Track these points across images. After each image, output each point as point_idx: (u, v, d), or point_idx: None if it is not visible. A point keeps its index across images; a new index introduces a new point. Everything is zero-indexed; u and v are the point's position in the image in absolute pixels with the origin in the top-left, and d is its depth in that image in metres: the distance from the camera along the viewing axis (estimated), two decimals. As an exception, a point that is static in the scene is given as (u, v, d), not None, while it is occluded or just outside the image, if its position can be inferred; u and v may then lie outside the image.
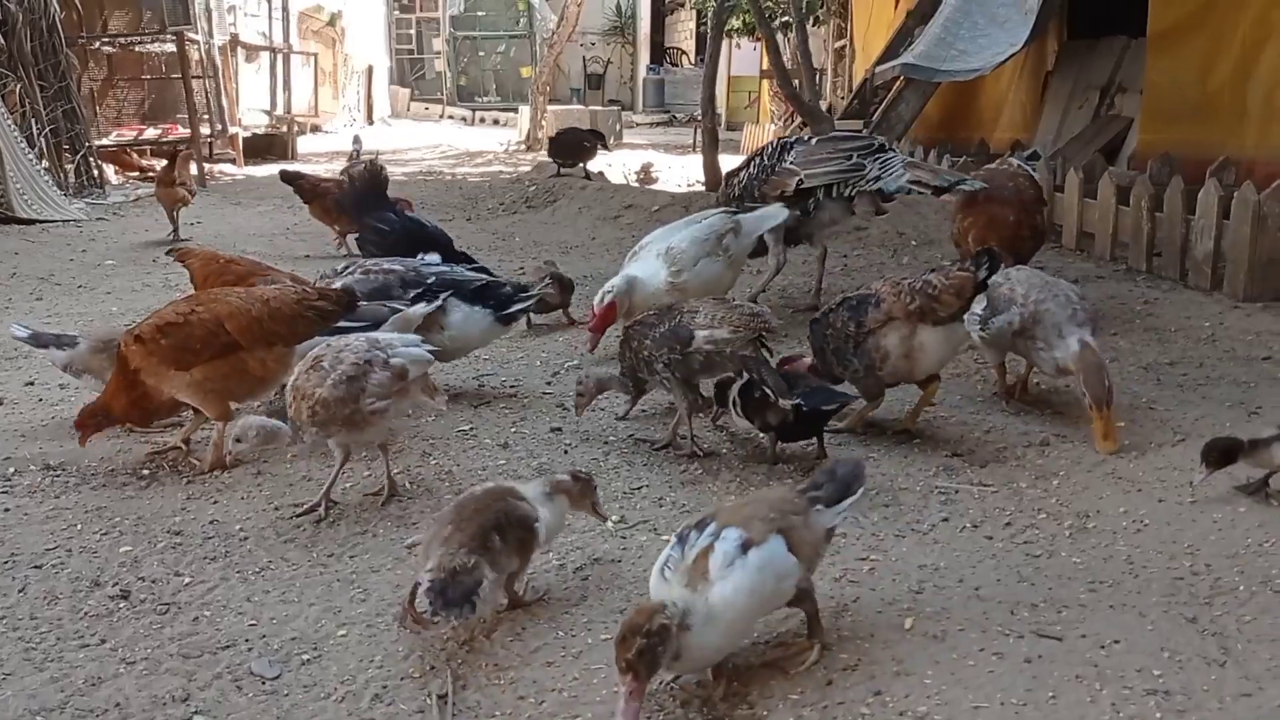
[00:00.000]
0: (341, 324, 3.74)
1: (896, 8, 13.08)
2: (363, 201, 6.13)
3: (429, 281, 4.30)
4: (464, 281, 4.35)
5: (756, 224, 5.16)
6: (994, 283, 3.74)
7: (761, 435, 3.70)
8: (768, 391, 3.47)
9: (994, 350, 4.08)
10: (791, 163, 5.41)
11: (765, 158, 5.54)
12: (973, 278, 3.61)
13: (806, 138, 5.74)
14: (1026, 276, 3.97)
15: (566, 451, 3.71)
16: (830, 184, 5.36)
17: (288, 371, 3.53)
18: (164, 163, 9.20)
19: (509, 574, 2.58)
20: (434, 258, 4.73)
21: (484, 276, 4.49)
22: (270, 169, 14.08)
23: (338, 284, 4.23)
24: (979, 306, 3.87)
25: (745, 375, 3.56)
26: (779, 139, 5.94)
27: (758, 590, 2.22)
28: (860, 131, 6.49)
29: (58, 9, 10.70)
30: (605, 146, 12.09)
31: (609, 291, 4.48)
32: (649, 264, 4.71)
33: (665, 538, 2.97)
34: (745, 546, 2.22)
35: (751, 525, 2.27)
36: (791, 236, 5.65)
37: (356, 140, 11.40)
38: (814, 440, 3.68)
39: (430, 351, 3.46)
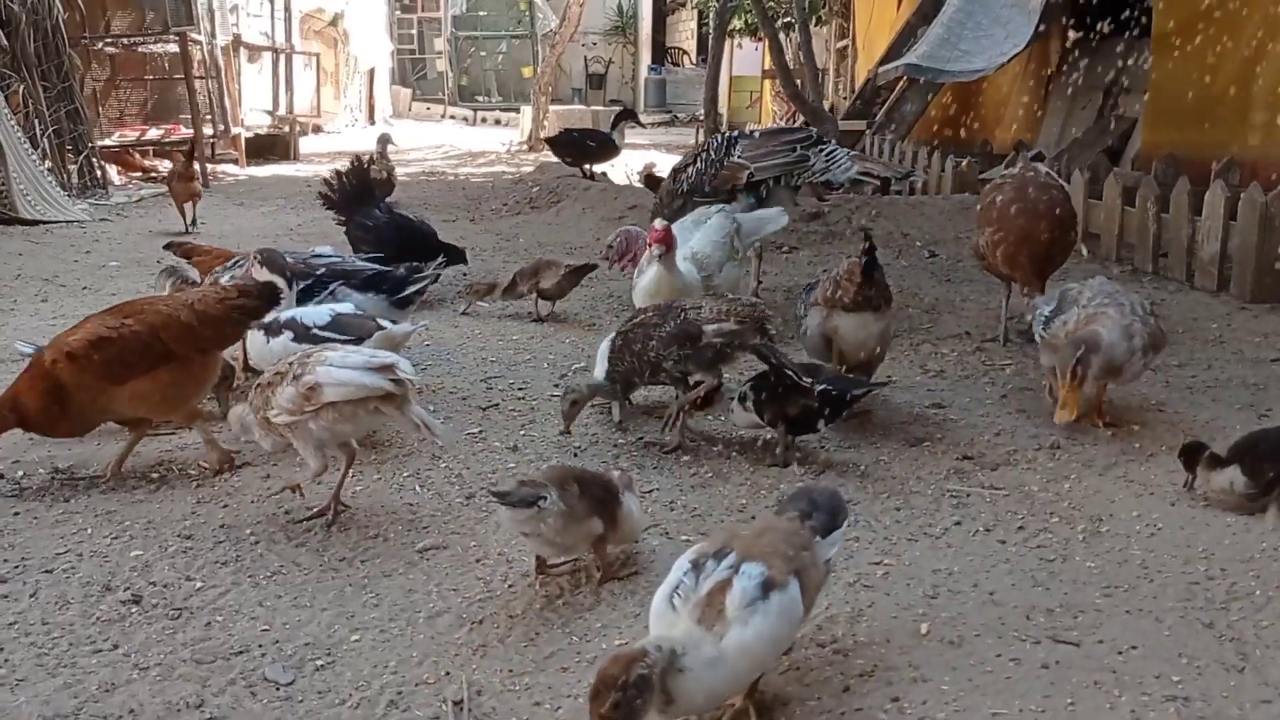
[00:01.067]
0: (327, 336, 3.74)
1: (899, 8, 13.07)
2: (351, 199, 6.13)
3: (319, 273, 4.32)
4: (354, 271, 4.36)
5: (757, 226, 5.19)
6: (1068, 288, 3.91)
7: (770, 432, 3.69)
8: (790, 374, 3.52)
9: (1050, 353, 3.82)
10: (739, 156, 5.63)
11: (713, 152, 5.73)
12: (860, 262, 3.94)
13: (750, 131, 5.98)
14: (1101, 284, 3.88)
15: (576, 455, 3.70)
16: (779, 175, 5.63)
17: (215, 373, 3.61)
18: (170, 163, 9.25)
19: (598, 534, 2.67)
20: (325, 249, 4.79)
21: (374, 266, 4.48)
22: (272, 169, 14.08)
23: (225, 279, 4.28)
24: (1047, 308, 3.87)
25: (765, 365, 3.63)
26: (724, 134, 6.11)
27: (775, 639, 2.08)
28: (804, 126, 6.63)
29: (61, 9, 10.68)
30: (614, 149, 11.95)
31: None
32: (683, 267, 4.68)
33: (685, 539, 2.99)
34: (767, 587, 2.05)
35: (774, 562, 2.10)
36: None
37: (385, 139, 11.44)
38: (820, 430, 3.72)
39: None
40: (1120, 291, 3.82)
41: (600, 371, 3.82)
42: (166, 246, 4.97)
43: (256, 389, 3.16)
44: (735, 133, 5.99)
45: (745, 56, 23.50)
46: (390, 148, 11.24)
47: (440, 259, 5.16)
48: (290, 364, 3.12)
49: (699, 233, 4.92)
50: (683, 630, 2.01)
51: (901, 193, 9.67)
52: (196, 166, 11.93)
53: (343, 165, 6.65)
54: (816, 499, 2.38)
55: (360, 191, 6.09)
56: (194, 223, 8.76)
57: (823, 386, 3.54)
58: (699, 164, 5.73)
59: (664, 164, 14.79)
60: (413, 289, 4.44)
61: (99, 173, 10.93)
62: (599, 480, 2.75)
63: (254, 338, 3.91)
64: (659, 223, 4.52)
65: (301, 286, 4.22)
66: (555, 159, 12.13)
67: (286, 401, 3.05)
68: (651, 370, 3.69)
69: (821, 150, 5.73)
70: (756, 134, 5.92)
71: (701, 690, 1.97)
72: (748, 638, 2.00)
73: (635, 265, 5.45)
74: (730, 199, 5.61)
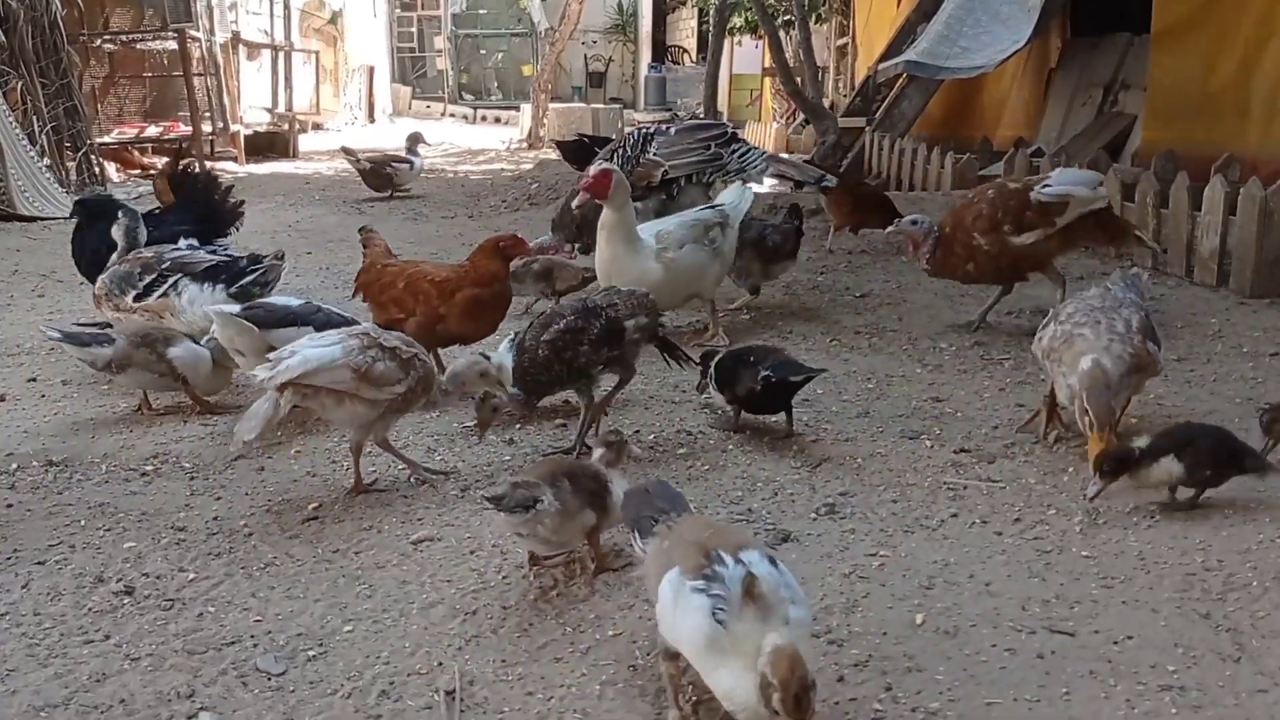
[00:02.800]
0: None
1: (899, 5, 13.06)
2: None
3: (163, 267, 4.36)
4: (194, 263, 4.37)
5: (735, 212, 5.17)
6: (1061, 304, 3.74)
7: (729, 407, 3.83)
8: (688, 362, 3.80)
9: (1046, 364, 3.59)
10: (654, 154, 5.74)
11: (628, 149, 5.79)
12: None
13: (665, 128, 6.04)
14: (1093, 296, 3.58)
15: (573, 448, 3.68)
16: (692, 173, 5.73)
17: None
18: (167, 160, 9.25)
19: (590, 526, 2.68)
20: (185, 244, 4.77)
21: (215, 257, 4.45)
22: (272, 167, 14.07)
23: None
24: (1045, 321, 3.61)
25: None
26: (639, 129, 6.17)
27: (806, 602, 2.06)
28: (720, 121, 6.78)
29: (59, 6, 10.68)
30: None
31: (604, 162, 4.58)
32: (644, 238, 4.74)
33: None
34: (774, 563, 2.03)
35: (751, 544, 2.07)
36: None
37: (416, 138, 11.49)
38: (783, 414, 3.80)
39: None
40: (1107, 308, 3.47)
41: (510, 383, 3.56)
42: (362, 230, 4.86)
43: None
44: (651, 128, 6.06)
45: (745, 54, 23.49)
46: (423, 146, 11.38)
47: (279, 252, 4.66)
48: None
49: (675, 218, 5.00)
50: (745, 633, 1.89)
51: (902, 188, 9.67)
52: (195, 166, 12.00)
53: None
54: (662, 494, 2.40)
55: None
56: None
57: (765, 374, 3.62)
58: (615, 160, 5.69)
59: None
60: (247, 280, 4.37)
61: (97, 170, 10.94)
62: (588, 472, 2.74)
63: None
64: (594, 168, 4.50)
65: (148, 281, 4.35)
66: (555, 156, 12.12)
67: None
68: (581, 376, 3.56)
69: (735, 149, 5.84)
70: (672, 130, 5.98)
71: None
72: (803, 611, 1.99)
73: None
74: (644, 196, 5.68)
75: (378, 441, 3.33)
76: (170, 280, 4.31)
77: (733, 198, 5.17)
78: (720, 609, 1.92)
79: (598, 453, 2.82)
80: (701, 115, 16.10)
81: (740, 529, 2.22)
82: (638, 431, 3.83)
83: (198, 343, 4.04)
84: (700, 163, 5.79)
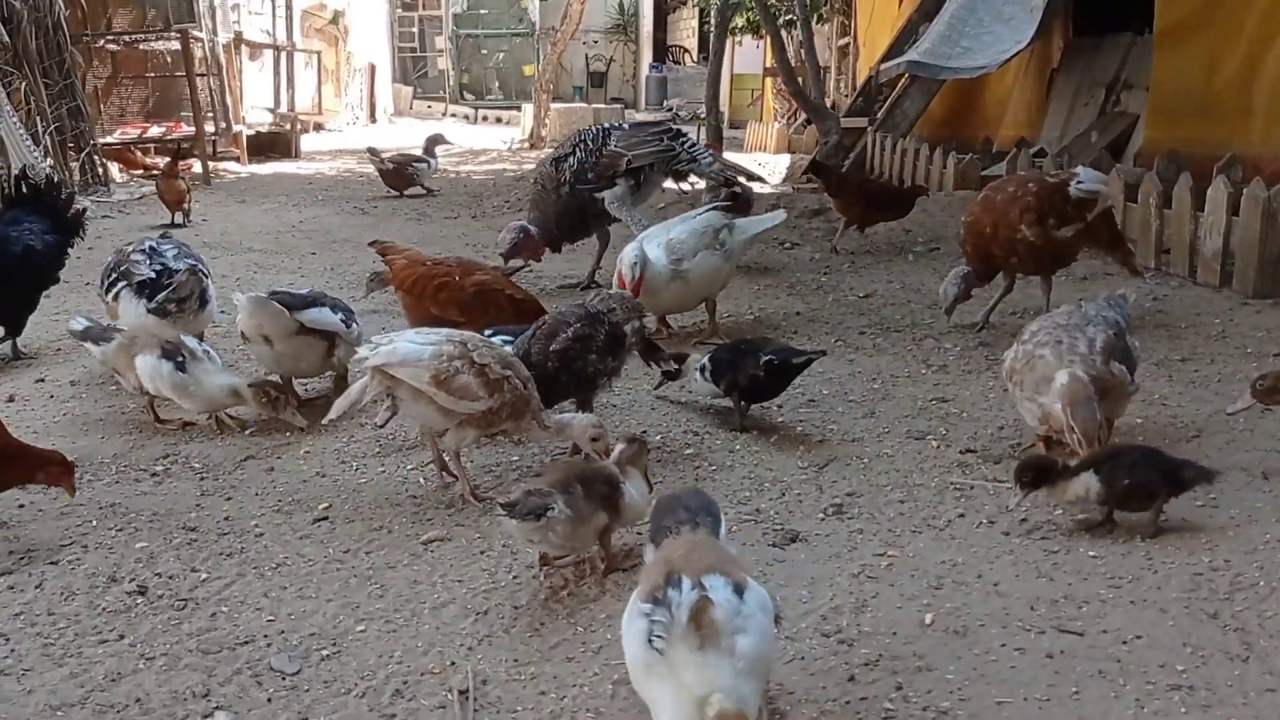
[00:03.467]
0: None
1: (901, 5, 13.07)
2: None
3: (120, 269, 4.47)
4: (134, 274, 4.41)
5: (753, 225, 5.31)
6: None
7: (725, 400, 3.88)
8: (665, 363, 3.84)
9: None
10: (615, 146, 6.15)
11: (590, 142, 6.21)
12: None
13: (619, 125, 6.50)
14: (1063, 313, 3.48)
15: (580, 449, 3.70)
16: (652, 162, 6.19)
17: None
18: (167, 160, 9.30)
19: (602, 527, 2.70)
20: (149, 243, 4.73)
21: (148, 273, 4.42)
22: (274, 167, 14.08)
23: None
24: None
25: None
26: (597, 126, 6.58)
27: (770, 633, 1.96)
28: (664, 120, 7.19)
29: (62, 7, 10.69)
30: None
31: (635, 263, 4.61)
32: (653, 252, 4.80)
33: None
34: (740, 590, 1.91)
35: (727, 570, 1.95)
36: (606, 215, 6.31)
37: (437, 139, 11.55)
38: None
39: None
40: (1071, 326, 3.35)
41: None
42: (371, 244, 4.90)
43: None
44: (607, 125, 6.49)
45: (746, 54, 23.51)
46: (441, 148, 11.46)
47: (190, 266, 4.47)
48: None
49: (682, 224, 5.08)
50: (686, 661, 1.81)
51: (903, 188, 9.66)
52: (197, 166, 12.02)
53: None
54: (690, 505, 2.30)
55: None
56: (179, 223, 8.76)
57: (768, 357, 3.68)
58: (579, 153, 6.17)
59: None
60: (159, 298, 4.34)
61: (101, 170, 10.95)
62: (601, 475, 2.75)
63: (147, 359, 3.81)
64: (627, 279, 4.58)
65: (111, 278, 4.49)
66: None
67: None
68: (587, 385, 3.49)
69: (682, 141, 6.33)
70: (625, 126, 6.48)
71: (750, 709, 1.81)
72: (754, 642, 1.85)
73: (531, 261, 6.06)
74: (610, 185, 6.12)
75: (449, 449, 3.29)
76: (119, 285, 4.39)
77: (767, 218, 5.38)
78: (658, 635, 1.82)
79: (617, 449, 2.83)
80: (702, 115, 16.09)
81: (722, 550, 2.08)
82: (645, 431, 3.84)
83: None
84: (658, 153, 6.21)
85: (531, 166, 13.54)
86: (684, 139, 6.40)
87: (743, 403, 3.86)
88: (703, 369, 3.87)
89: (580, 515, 2.63)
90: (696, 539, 2.10)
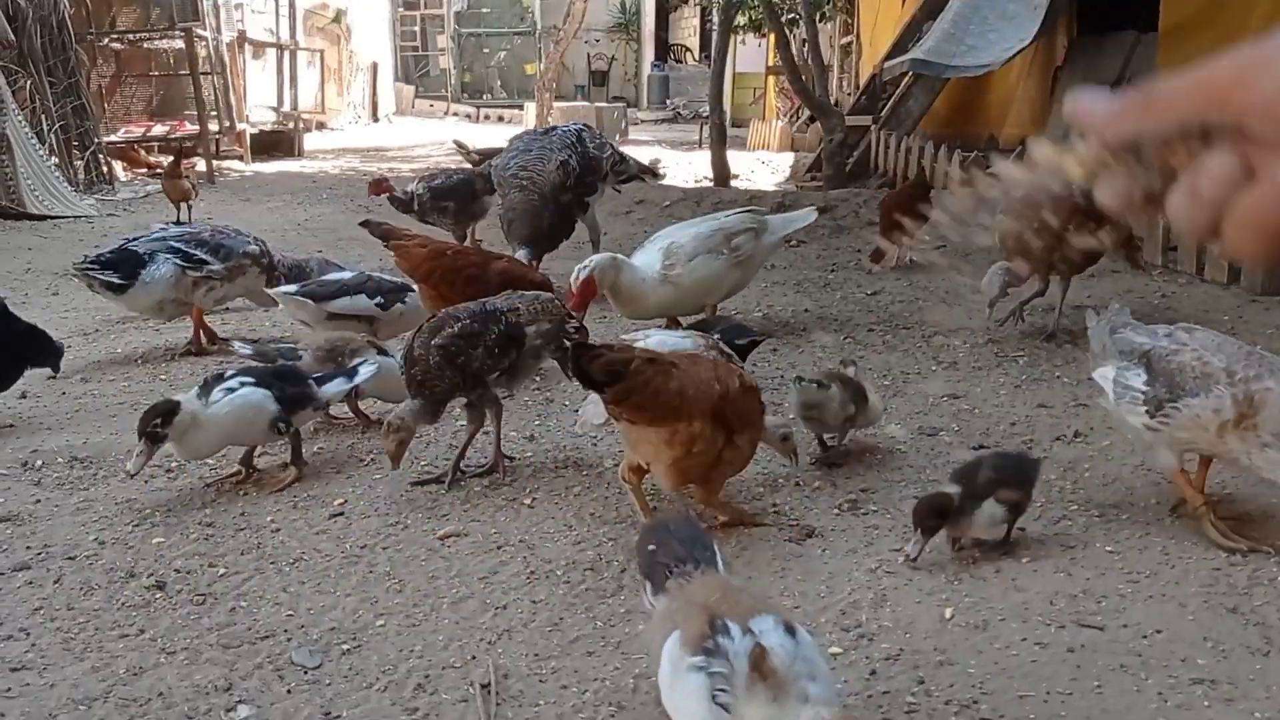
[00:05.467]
0: None
1: (904, 3, 13.07)
2: None
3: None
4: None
5: (784, 224, 5.21)
6: (1161, 347, 2.90)
7: None
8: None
9: (1167, 449, 2.89)
10: (593, 150, 6.12)
11: (578, 145, 6.08)
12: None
13: (580, 128, 6.44)
14: (1210, 339, 2.92)
15: (595, 444, 3.70)
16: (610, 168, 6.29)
17: None
18: (170, 160, 9.30)
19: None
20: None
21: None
22: (277, 166, 14.09)
23: None
24: (1139, 381, 2.89)
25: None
26: (571, 126, 6.51)
27: (828, 673, 1.86)
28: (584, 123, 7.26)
29: (67, 5, 10.70)
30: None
31: (585, 267, 4.44)
32: (649, 255, 4.81)
33: (702, 526, 2.99)
34: (791, 631, 1.81)
35: (767, 609, 1.88)
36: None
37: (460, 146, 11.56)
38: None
39: None
40: (1243, 352, 2.85)
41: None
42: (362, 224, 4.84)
43: None
44: (575, 127, 6.42)
45: (749, 53, 23.48)
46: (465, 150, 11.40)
47: None
48: None
49: (695, 226, 5.01)
50: (764, 715, 1.68)
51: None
52: (201, 165, 12.03)
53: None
54: (682, 538, 2.09)
55: None
56: (184, 220, 8.77)
57: (714, 336, 3.61)
58: (576, 156, 5.99)
59: (668, 160, 14.83)
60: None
61: (105, 168, 10.97)
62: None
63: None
64: (576, 284, 4.41)
65: None
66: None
67: None
68: (474, 382, 3.36)
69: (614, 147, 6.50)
70: (583, 127, 6.43)
71: None
72: (823, 688, 1.74)
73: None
74: (596, 189, 6.13)
75: None
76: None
77: (794, 216, 5.27)
78: (721, 690, 1.70)
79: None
80: (704, 113, 16.09)
81: (755, 591, 2.00)
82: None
83: (387, 354, 3.89)
84: (612, 155, 6.33)
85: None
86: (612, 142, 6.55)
87: None
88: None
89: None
90: (718, 579, 1.98)
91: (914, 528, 2.76)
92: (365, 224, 4.53)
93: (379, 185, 7.07)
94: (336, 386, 3.58)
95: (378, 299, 4.28)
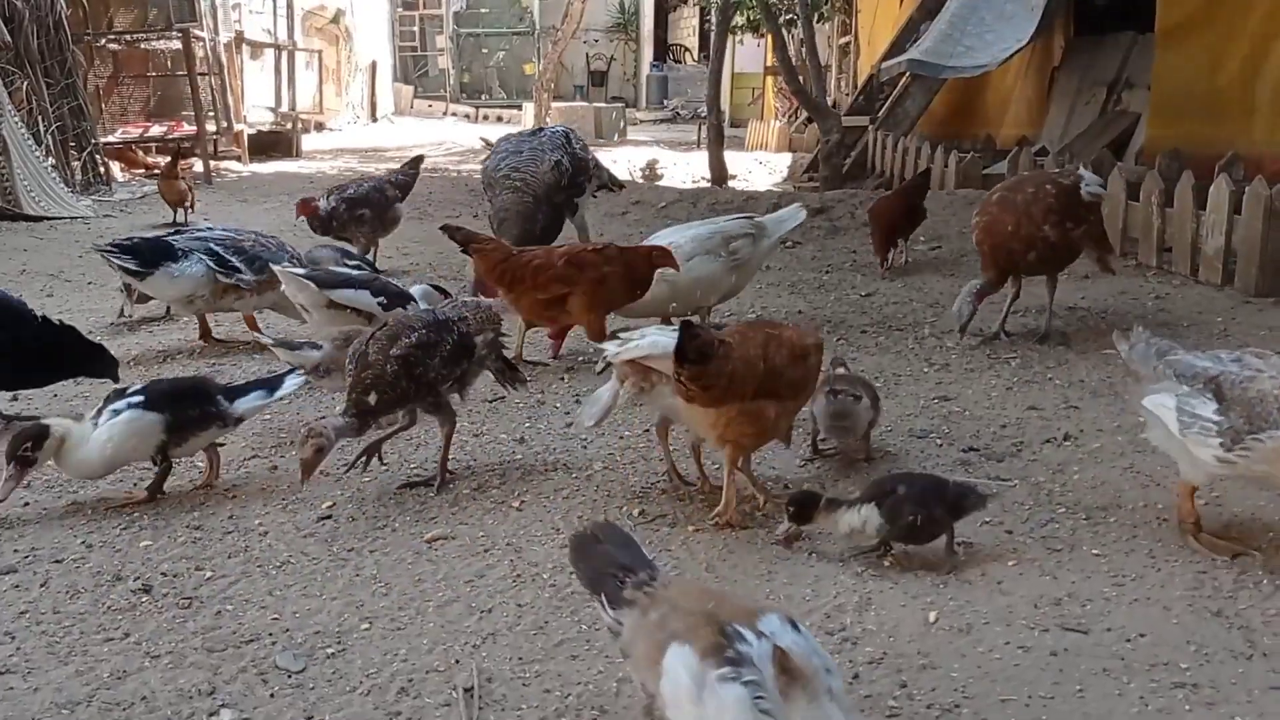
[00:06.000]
0: None
1: (902, 4, 13.07)
2: None
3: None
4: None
5: (778, 226, 5.21)
6: (1232, 373, 2.72)
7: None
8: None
9: (1206, 473, 2.78)
10: (579, 150, 6.15)
11: (567, 145, 6.13)
12: None
13: (561, 130, 6.47)
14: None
15: (585, 447, 3.71)
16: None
17: None
18: (167, 161, 9.33)
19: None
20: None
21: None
22: (275, 166, 14.09)
23: None
24: (1209, 409, 2.70)
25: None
26: (555, 127, 6.55)
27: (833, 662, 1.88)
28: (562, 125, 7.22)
29: (64, 6, 10.69)
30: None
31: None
32: None
33: (691, 528, 3.00)
34: (796, 626, 1.82)
35: (769, 606, 1.92)
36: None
37: (487, 143, 11.60)
38: None
39: None
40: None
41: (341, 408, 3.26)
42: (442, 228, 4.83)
43: None
44: (561, 128, 6.46)
45: (747, 53, 23.52)
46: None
47: None
48: None
49: (693, 229, 5.02)
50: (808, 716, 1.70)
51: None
52: (198, 165, 12.03)
53: None
54: (614, 546, 2.06)
55: None
56: (181, 221, 8.81)
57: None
58: (567, 157, 6.03)
59: (665, 160, 14.84)
60: None
61: (102, 169, 10.96)
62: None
63: None
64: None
65: None
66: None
67: None
68: (428, 392, 3.29)
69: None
70: (568, 129, 6.45)
71: None
72: (838, 677, 1.78)
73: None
74: (583, 190, 6.15)
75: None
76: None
77: (783, 215, 5.25)
78: (760, 698, 1.67)
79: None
80: (703, 113, 16.09)
81: (743, 595, 2.05)
82: (647, 431, 3.84)
83: None
84: (593, 161, 6.34)
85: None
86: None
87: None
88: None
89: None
90: (694, 585, 2.00)
91: (786, 516, 2.85)
92: (445, 229, 4.55)
93: (305, 206, 6.85)
94: (253, 401, 3.46)
95: (380, 299, 4.29)
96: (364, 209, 6.68)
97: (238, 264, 4.81)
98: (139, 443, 3.22)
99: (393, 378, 3.19)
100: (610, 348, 3.10)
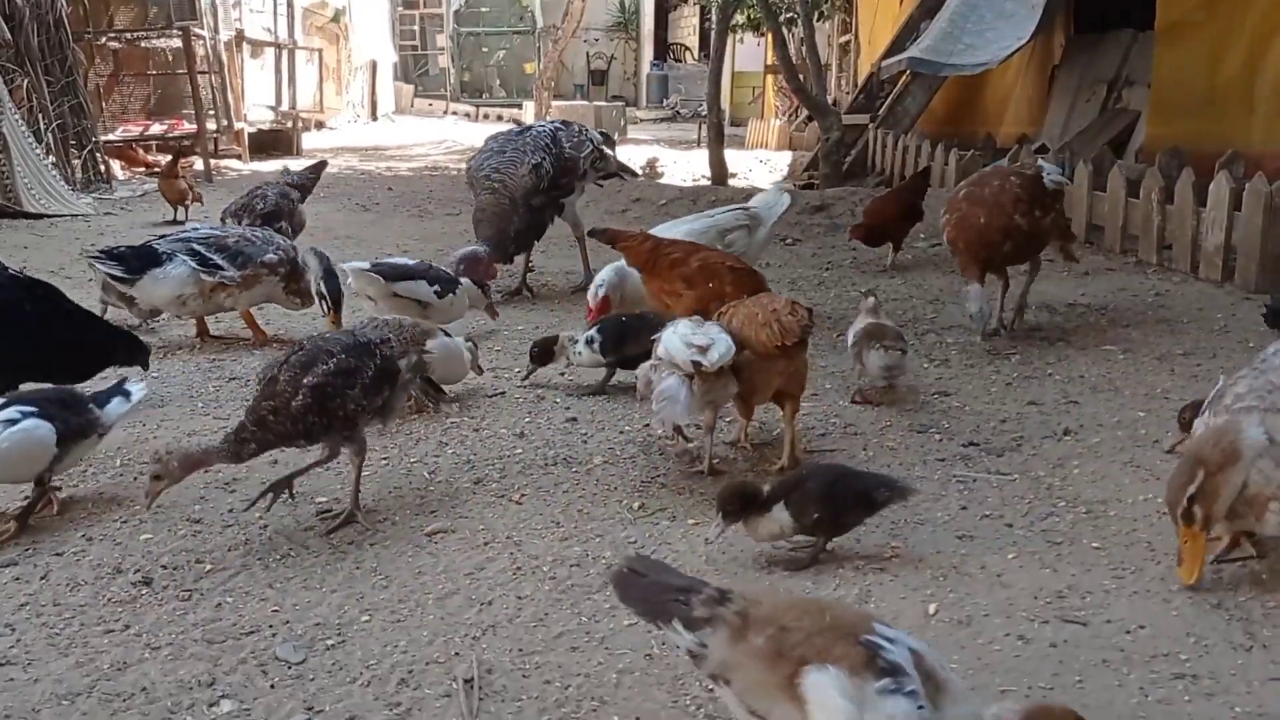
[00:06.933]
0: None
1: (902, 2, 13.07)
2: None
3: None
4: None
5: (768, 212, 5.20)
6: None
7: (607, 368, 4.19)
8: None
9: None
10: (569, 150, 6.06)
11: (552, 146, 6.01)
12: None
13: (558, 126, 6.34)
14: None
15: (585, 441, 3.71)
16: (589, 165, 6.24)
17: None
18: (167, 160, 9.33)
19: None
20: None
21: None
22: (276, 165, 14.09)
23: None
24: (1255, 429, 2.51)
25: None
26: (543, 126, 6.42)
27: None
28: (574, 121, 6.98)
29: (64, 4, 10.70)
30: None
31: (601, 285, 4.63)
32: None
33: (691, 522, 3.01)
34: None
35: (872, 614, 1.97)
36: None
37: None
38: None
39: None
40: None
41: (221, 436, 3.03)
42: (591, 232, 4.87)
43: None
44: (549, 126, 6.35)
45: (747, 52, 23.53)
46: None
47: None
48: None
49: (689, 224, 5.04)
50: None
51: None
52: (198, 164, 12.03)
53: None
54: (659, 571, 2.01)
55: None
56: (181, 220, 8.83)
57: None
58: (550, 159, 5.94)
59: (666, 159, 14.84)
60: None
61: (102, 167, 10.96)
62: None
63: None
64: (593, 299, 4.61)
65: None
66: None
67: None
68: (346, 424, 3.02)
69: (601, 144, 6.34)
70: (560, 127, 6.29)
71: None
72: (955, 677, 1.79)
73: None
74: (570, 190, 6.09)
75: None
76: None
77: (769, 200, 5.23)
78: (922, 707, 1.65)
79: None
80: (703, 112, 16.09)
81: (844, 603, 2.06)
82: (647, 425, 3.84)
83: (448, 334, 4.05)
84: (592, 154, 6.20)
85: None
86: (599, 141, 6.37)
87: (615, 371, 4.17)
88: (590, 340, 4.05)
89: None
90: (779, 594, 2.04)
91: (718, 511, 2.75)
92: (593, 233, 4.72)
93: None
94: (117, 408, 3.28)
95: (435, 287, 4.57)
96: (279, 221, 6.40)
97: (220, 261, 4.80)
98: (38, 455, 2.99)
99: (299, 411, 2.90)
100: (707, 359, 3.14)
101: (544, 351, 4.18)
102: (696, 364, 3.12)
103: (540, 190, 5.92)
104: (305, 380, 2.92)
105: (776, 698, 1.72)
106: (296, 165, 8.45)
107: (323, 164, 7.55)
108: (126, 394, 3.36)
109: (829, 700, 1.65)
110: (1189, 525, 2.51)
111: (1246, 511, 2.49)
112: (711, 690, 2.07)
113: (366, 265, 4.53)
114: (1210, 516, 2.49)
